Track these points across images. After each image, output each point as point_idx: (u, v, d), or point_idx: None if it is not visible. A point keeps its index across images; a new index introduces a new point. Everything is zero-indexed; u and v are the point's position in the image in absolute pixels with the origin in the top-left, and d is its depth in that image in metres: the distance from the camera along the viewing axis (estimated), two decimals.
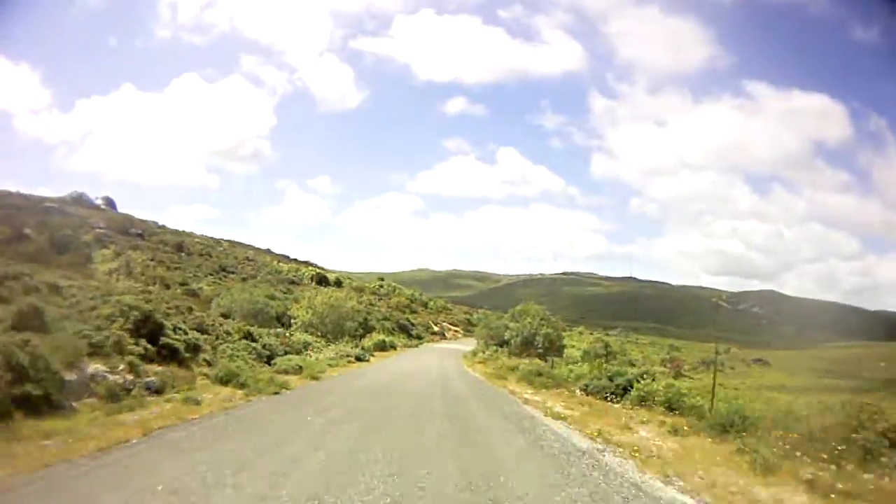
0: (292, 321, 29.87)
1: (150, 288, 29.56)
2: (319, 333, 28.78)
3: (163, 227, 62.62)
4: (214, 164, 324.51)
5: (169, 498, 5.01)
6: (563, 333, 37.16)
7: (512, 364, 23.40)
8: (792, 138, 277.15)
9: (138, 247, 48.95)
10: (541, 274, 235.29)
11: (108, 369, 10.39)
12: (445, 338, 61.06)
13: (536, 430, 9.83)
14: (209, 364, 14.03)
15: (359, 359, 24.52)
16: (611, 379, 14.67)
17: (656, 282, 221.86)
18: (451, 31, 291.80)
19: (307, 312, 30.11)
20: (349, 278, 74.09)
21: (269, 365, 16.79)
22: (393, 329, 46.10)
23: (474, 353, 32.70)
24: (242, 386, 11.91)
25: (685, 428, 9.62)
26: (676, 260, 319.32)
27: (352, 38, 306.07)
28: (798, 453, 7.27)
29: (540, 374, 18.44)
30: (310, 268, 71.65)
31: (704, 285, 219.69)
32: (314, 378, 16.12)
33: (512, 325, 31.39)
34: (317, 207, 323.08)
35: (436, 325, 65.05)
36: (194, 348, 14.47)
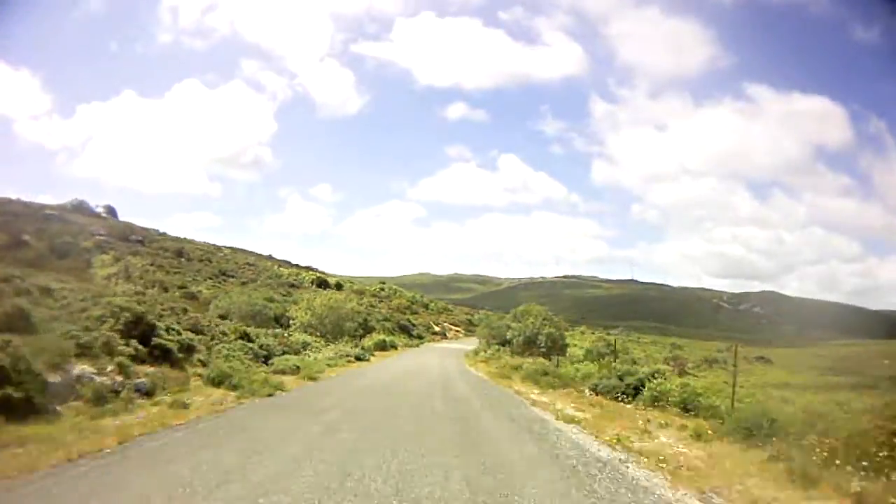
0: (291, 322, 29.53)
1: (146, 291, 29.39)
2: (318, 334, 28.44)
3: (163, 234, 62.49)
4: (216, 171, 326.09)
5: None
6: (566, 333, 36.78)
7: (515, 363, 22.99)
8: (792, 142, 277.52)
9: (138, 252, 48.76)
10: (542, 277, 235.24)
11: (95, 371, 10.03)
12: (447, 338, 60.66)
13: (549, 435, 9.12)
14: (204, 365, 13.66)
15: (358, 358, 24.13)
16: (621, 378, 14.07)
17: (657, 284, 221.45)
18: (451, 33, 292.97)
19: (306, 313, 29.76)
20: (350, 282, 73.67)
21: (267, 365, 16.43)
22: (393, 329, 45.71)
23: (476, 353, 32.33)
24: (235, 387, 11.42)
25: (708, 432, 8.97)
26: (678, 263, 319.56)
27: (352, 43, 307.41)
28: (837, 461, 6.46)
29: (546, 374, 17.92)
30: (310, 272, 71.34)
31: (706, 287, 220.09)
32: (311, 379, 15.67)
33: (514, 324, 31.04)
34: (318, 215, 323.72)
35: (437, 325, 64.66)
36: (188, 349, 14.12)
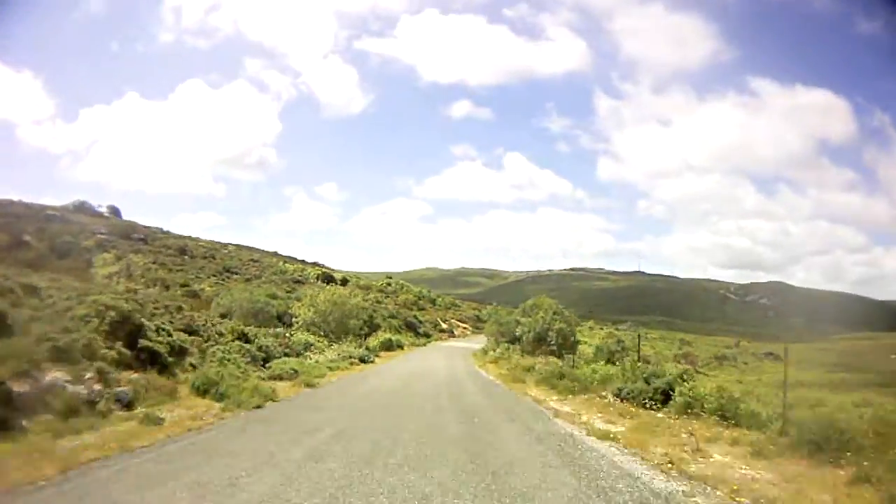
0: (293, 320, 28.64)
1: (139, 288, 28.62)
2: (322, 333, 27.54)
3: (167, 232, 61.92)
4: (221, 172, 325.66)
5: None
6: (575, 329, 35.69)
7: (527, 364, 21.80)
8: (796, 137, 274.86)
9: (140, 251, 48.31)
10: (549, 270, 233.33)
11: (70, 378, 9.11)
12: (454, 335, 59.68)
13: (586, 460, 7.53)
14: (196, 369, 12.75)
15: (363, 360, 23.13)
16: (647, 381, 12.58)
17: (664, 275, 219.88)
18: (456, 30, 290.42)
19: (309, 310, 28.84)
20: (357, 278, 72.85)
21: (266, 368, 15.53)
22: (400, 327, 44.79)
23: (485, 352, 31.25)
24: (223, 397, 10.37)
25: (770, 447, 7.65)
26: (684, 254, 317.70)
27: (356, 39, 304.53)
28: None
29: (562, 377, 16.54)
30: (316, 268, 70.57)
31: (712, 277, 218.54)
32: (308, 385, 14.55)
33: (523, 320, 29.94)
34: (324, 214, 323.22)
35: (444, 322, 63.68)
36: (180, 351, 13.23)
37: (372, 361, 24.03)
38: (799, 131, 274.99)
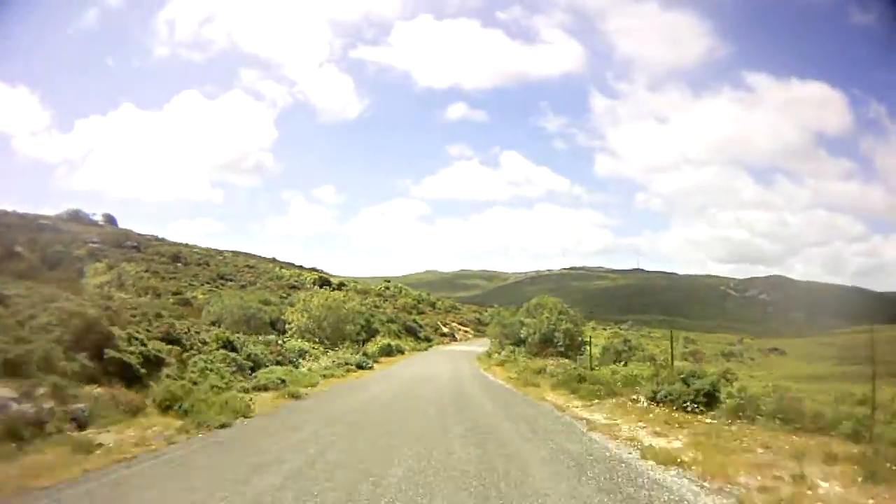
0: (286, 326, 27.37)
1: (129, 297, 27.44)
2: (317, 339, 26.26)
3: (161, 239, 60.76)
4: (217, 178, 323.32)
5: None
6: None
7: (536, 366, 20.41)
8: (793, 129, 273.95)
9: (132, 259, 47.30)
10: (549, 270, 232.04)
11: (17, 396, 7.90)
12: (456, 339, 58.36)
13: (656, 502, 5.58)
14: (175, 381, 11.51)
15: (360, 367, 21.85)
16: (686, 382, 11.16)
17: (663, 272, 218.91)
18: (450, 35, 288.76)
19: (302, 316, 27.54)
20: (354, 282, 71.52)
21: (253, 378, 14.27)
22: (399, 332, 43.48)
23: (489, 355, 29.99)
24: (186, 413, 8.96)
25: (885, 466, 5.95)
26: (683, 249, 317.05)
27: (351, 48, 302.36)
28: None
29: (582, 379, 14.87)
30: (313, 273, 69.29)
31: (712, 273, 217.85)
32: (293, 396, 13.01)
33: (528, 321, 28.75)
34: (322, 217, 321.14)
35: (445, 325, 62.37)
36: (156, 362, 11.99)
37: (370, 368, 22.76)
38: (795, 123, 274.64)
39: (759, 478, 6.28)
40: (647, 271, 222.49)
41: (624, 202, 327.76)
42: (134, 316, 14.67)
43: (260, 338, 20.56)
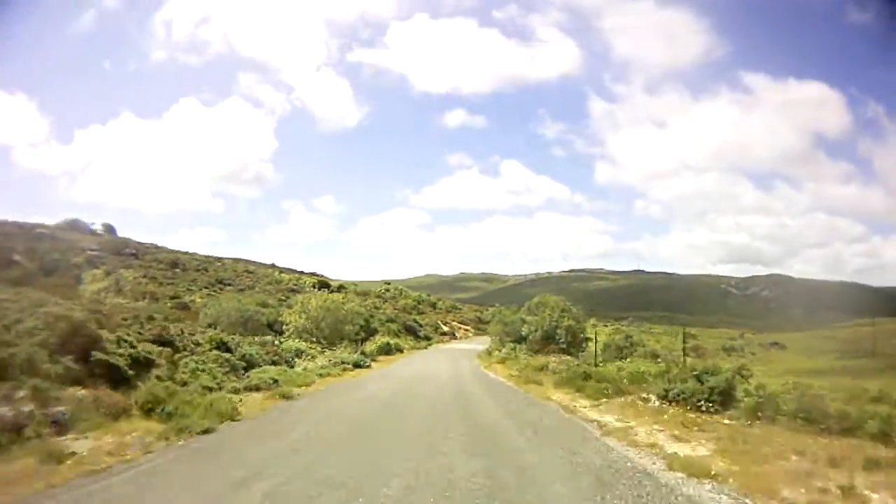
0: (284, 327, 27.09)
1: (126, 302, 27.20)
2: (314, 339, 25.98)
3: (160, 247, 60.65)
4: (218, 188, 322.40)
5: None
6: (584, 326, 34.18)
7: (538, 363, 19.99)
8: (791, 131, 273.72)
9: (130, 266, 47.07)
10: (548, 272, 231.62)
11: None
12: (456, 337, 58.08)
13: None
14: (158, 382, 11.24)
15: (357, 365, 21.52)
16: (700, 380, 10.56)
17: (664, 272, 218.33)
18: (446, 35, 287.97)
19: (300, 317, 27.26)
20: (354, 286, 71.27)
21: (246, 378, 13.99)
22: (399, 331, 43.20)
23: (489, 353, 29.69)
24: (171, 416, 8.49)
25: None
26: (683, 252, 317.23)
27: (347, 50, 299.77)
28: None
29: (587, 377, 14.32)
30: (313, 276, 69.04)
31: (712, 273, 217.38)
32: (285, 397, 12.42)
33: (529, 318, 28.44)
34: (322, 226, 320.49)
35: (445, 325, 62.11)
36: (146, 364, 11.72)
37: (368, 367, 22.46)
38: (793, 125, 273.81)
39: (803, 491, 5.72)
40: (648, 272, 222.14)
41: (624, 209, 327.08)
42: (125, 319, 14.40)
43: (256, 338, 20.28)
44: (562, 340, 26.37)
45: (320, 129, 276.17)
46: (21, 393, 8.11)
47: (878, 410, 7.41)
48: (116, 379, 10.36)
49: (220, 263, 62.51)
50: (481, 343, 40.51)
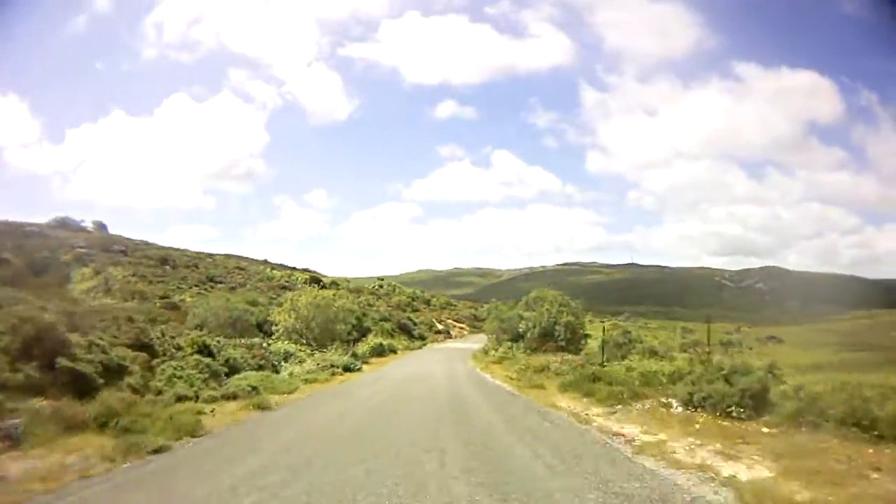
0: (273, 328, 26.32)
1: (115, 301, 26.46)
2: (304, 340, 25.24)
3: (151, 244, 59.68)
4: (209, 185, 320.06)
5: None
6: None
7: (538, 364, 19.03)
8: (783, 119, 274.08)
9: (119, 263, 46.20)
10: (542, 266, 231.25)
11: None
12: (451, 336, 57.49)
13: None
14: (136, 391, 10.54)
15: (347, 369, 20.76)
16: (729, 381, 9.34)
17: (657, 266, 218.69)
18: (438, 31, 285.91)
19: (289, 316, 26.47)
20: (347, 282, 70.51)
21: (227, 384, 13.28)
22: (393, 330, 42.54)
23: (486, 352, 28.90)
24: (125, 431, 7.62)
25: None
26: (676, 244, 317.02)
27: (339, 46, 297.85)
28: None
29: (597, 379, 13.12)
30: (305, 273, 68.23)
31: (706, 265, 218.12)
32: (261, 407, 11.39)
33: (527, 314, 27.77)
34: (314, 221, 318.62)
35: (440, 322, 61.50)
36: (119, 370, 11.00)
37: (358, 370, 21.74)
38: (786, 114, 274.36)
39: None
40: (641, 265, 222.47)
41: (616, 199, 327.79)
42: (102, 321, 13.64)
43: (242, 341, 19.54)
44: (560, 337, 25.74)
45: (311, 122, 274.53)
46: None
47: None
48: (84, 388, 9.63)
49: (210, 260, 61.63)
50: (477, 342, 39.89)
